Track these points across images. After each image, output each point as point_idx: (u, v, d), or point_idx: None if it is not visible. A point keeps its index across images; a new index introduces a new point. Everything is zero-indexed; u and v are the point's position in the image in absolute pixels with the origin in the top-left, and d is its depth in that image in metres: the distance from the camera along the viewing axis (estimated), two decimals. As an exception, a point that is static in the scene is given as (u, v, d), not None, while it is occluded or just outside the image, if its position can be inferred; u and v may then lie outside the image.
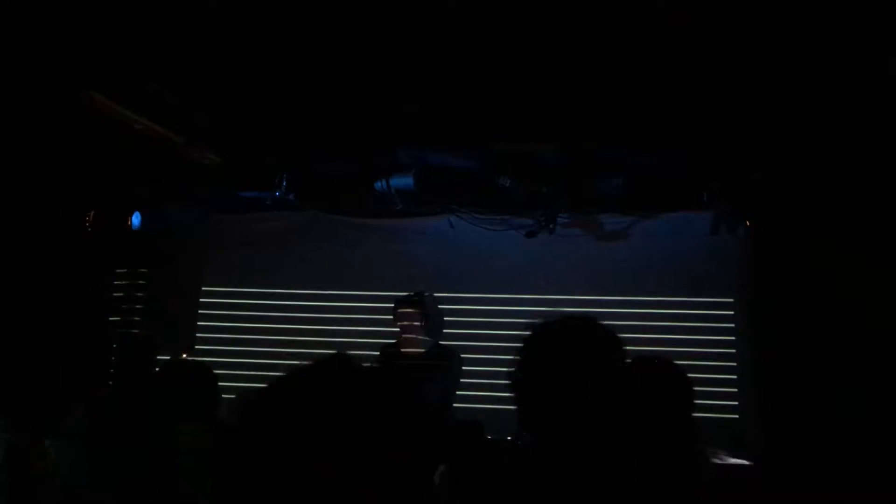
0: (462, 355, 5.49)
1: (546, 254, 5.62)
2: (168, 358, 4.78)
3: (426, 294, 5.52)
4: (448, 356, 5.37)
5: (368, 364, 0.94)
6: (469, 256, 5.76)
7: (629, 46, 3.42)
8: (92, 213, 5.70)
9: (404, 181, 5.35)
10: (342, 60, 3.66)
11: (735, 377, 5.32)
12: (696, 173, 5.10)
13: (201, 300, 6.18)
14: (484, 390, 5.45)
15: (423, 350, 5.36)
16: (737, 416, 5.25)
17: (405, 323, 5.30)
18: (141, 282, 6.28)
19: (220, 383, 3.00)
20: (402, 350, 5.37)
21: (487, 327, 5.60)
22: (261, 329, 5.97)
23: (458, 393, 5.39)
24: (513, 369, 1.59)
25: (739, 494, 3.93)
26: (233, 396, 3.17)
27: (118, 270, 6.26)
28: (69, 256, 5.61)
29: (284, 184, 5.53)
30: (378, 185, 5.43)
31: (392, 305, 5.52)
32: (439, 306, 5.76)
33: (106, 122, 4.24)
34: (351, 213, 5.96)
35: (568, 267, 5.68)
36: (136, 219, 5.71)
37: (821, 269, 4.80)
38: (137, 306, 6.25)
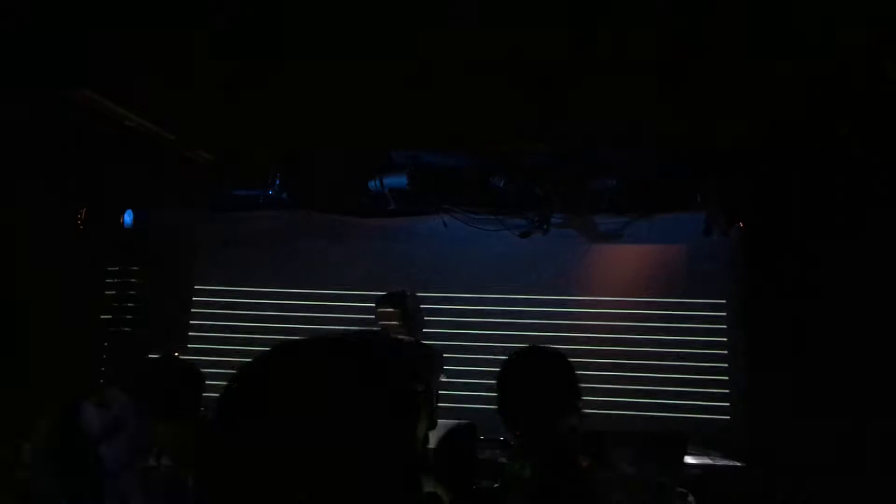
0: (455, 355, 5.48)
1: (539, 254, 5.63)
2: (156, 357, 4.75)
3: (408, 293, 5.48)
4: (429, 356, 5.32)
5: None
6: (462, 256, 5.76)
7: (624, 44, 3.42)
8: (84, 210, 5.67)
9: (398, 180, 5.35)
10: (336, 58, 3.65)
11: (727, 378, 5.34)
12: (689, 175, 5.11)
13: (194, 299, 6.17)
14: (477, 390, 5.44)
15: None
16: (728, 417, 5.28)
17: (385, 322, 5.27)
18: (133, 280, 6.25)
19: (211, 382, 2.98)
20: None
21: (480, 327, 5.60)
22: (254, 328, 5.95)
23: (452, 393, 5.37)
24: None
25: (731, 494, 3.94)
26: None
27: (110, 269, 6.23)
28: (61, 254, 5.58)
29: (278, 182, 5.52)
30: (372, 184, 5.43)
31: None
32: (433, 306, 5.76)
33: (98, 120, 4.22)
34: (344, 212, 5.95)
35: (561, 267, 5.69)
36: (128, 217, 5.70)
37: (813, 270, 4.81)
38: (129, 305, 6.23)
